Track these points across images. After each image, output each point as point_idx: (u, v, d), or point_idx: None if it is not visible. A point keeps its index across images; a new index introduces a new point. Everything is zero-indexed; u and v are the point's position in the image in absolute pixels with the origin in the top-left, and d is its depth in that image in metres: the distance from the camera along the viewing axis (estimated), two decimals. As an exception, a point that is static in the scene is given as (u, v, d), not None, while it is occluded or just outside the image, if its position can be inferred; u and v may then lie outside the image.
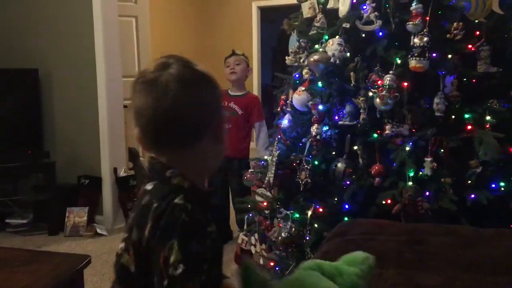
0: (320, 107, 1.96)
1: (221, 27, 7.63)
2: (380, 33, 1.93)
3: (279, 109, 2.43)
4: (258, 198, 2.21)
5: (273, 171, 2.09)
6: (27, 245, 3.17)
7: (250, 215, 2.44)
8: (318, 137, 1.94)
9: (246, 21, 7.53)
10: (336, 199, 1.94)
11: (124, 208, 3.73)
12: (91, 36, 3.56)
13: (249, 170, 2.36)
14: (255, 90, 7.60)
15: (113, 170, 3.71)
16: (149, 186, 0.84)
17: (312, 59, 2.00)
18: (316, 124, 1.95)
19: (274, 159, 2.10)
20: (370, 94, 1.84)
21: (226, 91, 3.01)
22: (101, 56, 3.56)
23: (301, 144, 2.13)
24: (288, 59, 2.29)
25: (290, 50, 2.42)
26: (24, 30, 3.75)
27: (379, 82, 1.85)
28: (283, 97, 2.43)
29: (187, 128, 0.83)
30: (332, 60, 1.95)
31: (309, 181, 1.99)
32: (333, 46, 1.95)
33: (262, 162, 2.27)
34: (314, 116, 1.96)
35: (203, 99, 0.88)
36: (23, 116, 3.68)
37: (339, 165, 2.00)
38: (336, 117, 2.00)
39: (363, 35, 1.98)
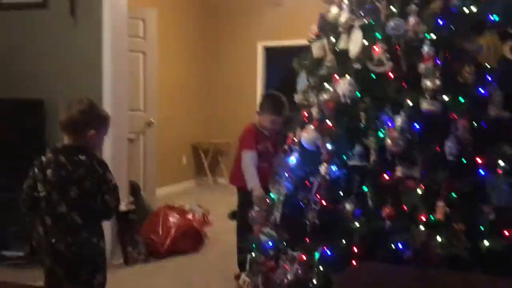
0: (329, 146, 1.94)
1: (227, 65, 7.73)
2: (390, 74, 1.93)
3: (286, 147, 2.41)
4: (263, 238, 2.16)
5: (280, 211, 2.04)
6: (23, 280, 3.09)
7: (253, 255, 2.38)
8: (327, 176, 1.90)
9: (251, 60, 7.63)
10: (344, 241, 1.88)
11: (122, 242, 3.66)
12: (100, 68, 3.59)
13: (255, 208, 2.31)
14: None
15: (114, 203, 3.65)
16: None
17: (322, 98, 1.99)
18: (325, 164, 1.92)
19: (281, 198, 2.06)
20: (381, 135, 1.82)
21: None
22: (108, 90, 3.58)
23: (307, 183, 2.09)
24: (298, 98, 2.29)
25: (298, 89, 2.43)
26: (31, 59, 3.77)
27: (389, 123, 1.84)
28: (290, 135, 2.42)
29: None
30: (342, 100, 1.94)
31: (317, 222, 1.94)
32: (344, 86, 1.94)
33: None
34: (323, 155, 1.93)
35: None
36: (26, 148, 3.66)
37: (348, 206, 1.95)
38: (345, 157, 1.97)
39: (373, 75, 1.98)
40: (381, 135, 1.84)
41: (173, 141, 6.76)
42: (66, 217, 2.00)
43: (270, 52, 7.76)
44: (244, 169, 3.07)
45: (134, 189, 4.17)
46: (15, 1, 3.77)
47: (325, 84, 2.07)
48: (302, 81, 2.43)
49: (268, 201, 2.33)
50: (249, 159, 3.05)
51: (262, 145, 3.14)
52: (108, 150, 3.54)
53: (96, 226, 2.08)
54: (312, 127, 2.08)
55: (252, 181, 3.01)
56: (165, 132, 6.04)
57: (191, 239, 3.98)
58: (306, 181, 2.10)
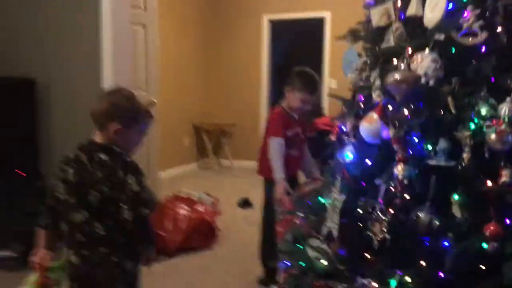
0: (408, 141, 1.51)
1: (230, 40, 7.22)
2: (483, 48, 1.49)
3: (334, 138, 1.98)
4: (312, 253, 1.74)
5: (336, 221, 1.63)
6: (14, 282, 2.68)
7: (288, 263, 1.98)
8: (405, 181, 1.48)
9: (256, 35, 7.12)
10: (426, 264, 1.47)
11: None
12: (98, 43, 3.11)
13: (297, 213, 1.90)
14: (263, 108, 7.17)
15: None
16: None
17: (392, 79, 1.56)
18: (401, 164, 1.49)
19: (337, 205, 1.64)
20: (475, 128, 1.39)
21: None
22: (109, 67, 3.11)
23: (368, 186, 1.68)
24: (351, 77, 1.85)
25: (345, 67, 2.00)
26: (23, 35, 3.29)
27: (483, 112, 1.42)
28: (337, 123, 1.99)
29: None
30: (423, 80, 1.50)
31: (388, 237, 1.53)
32: (424, 63, 1.50)
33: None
34: (399, 154, 1.51)
35: None
36: (16, 132, 3.21)
37: (422, 215, 1.55)
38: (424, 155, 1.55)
39: (459, 51, 1.54)
40: (474, 127, 1.41)
41: (174, 121, 6.30)
42: (84, 226, 1.62)
43: (276, 26, 7.26)
44: (270, 158, 2.67)
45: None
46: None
47: (395, 60, 1.62)
48: (351, 56, 1.99)
49: (310, 204, 1.91)
50: (276, 146, 2.65)
51: (291, 130, 2.73)
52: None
53: (119, 242, 1.66)
54: (375, 115, 1.64)
55: (278, 172, 2.62)
56: (166, 112, 5.57)
57: (203, 234, 3.58)
58: (364, 183, 1.69)
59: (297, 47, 8.30)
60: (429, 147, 1.54)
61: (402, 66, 1.59)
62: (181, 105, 6.53)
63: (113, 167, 1.62)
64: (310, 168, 2.94)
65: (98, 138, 1.70)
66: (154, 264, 1.87)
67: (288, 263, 1.99)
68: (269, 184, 2.75)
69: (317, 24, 6.92)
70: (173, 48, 6.26)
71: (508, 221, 1.34)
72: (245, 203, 4.66)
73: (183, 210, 3.53)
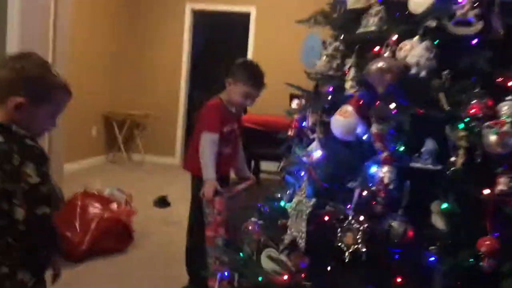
0: (393, 140, 1.30)
1: (150, 28, 6.76)
2: (475, 40, 1.34)
3: (291, 133, 1.75)
4: (267, 265, 1.49)
5: (303, 229, 1.38)
6: None
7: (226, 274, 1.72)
8: (391, 185, 1.28)
9: (178, 24, 6.74)
10: (401, 280, 1.28)
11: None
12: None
13: (251, 219, 1.62)
14: (181, 100, 6.81)
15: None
16: None
17: (375, 67, 1.35)
18: (387, 165, 1.29)
19: (305, 210, 1.40)
20: (485, 129, 1.22)
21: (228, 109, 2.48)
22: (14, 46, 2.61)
23: (337, 189, 1.46)
24: (318, 66, 1.62)
25: (306, 56, 1.77)
26: None
27: (474, 110, 1.26)
28: (295, 116, 1.76)
29: None
30: (414, 70, 1.31)
31: (362, 248, 1.32)
32: (416, 51, 1.32)
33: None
34: (384, 154, 1.30)
35: None
36: None
37: (395, 224, 1.37)
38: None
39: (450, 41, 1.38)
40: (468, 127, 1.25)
41: (82, 110, 5.68)
42: None
43: (199, 16, 6.92)
44: (201, 154, 2.37)
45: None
46: None
47: (377, 47, 1.42)
48: (314, 43, 1.77)
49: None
50: (209, 143, 2.35)
51: (228, 126, 2.45)
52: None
53: (12, 248, 1.26)
54: (349, 108, 1.43)
55: (208, 173, 2.33)
56: (73, 99, 4.97)
57: (116, 235, 3.16)
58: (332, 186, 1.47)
59: (220, 40, 8.03)
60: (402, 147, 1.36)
61: (386, 53, 1.39)
62: (91, 91, 5.92)
63: (7, 152, 1.24)
64: (242, 166, 2.70)
65: None
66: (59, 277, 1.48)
67: (226, 274, 1.72)
68: (198, 182, 2.44)
69: (242, 19, 6.72)
70: (87, 28, 5.66)
71: (505, 235, 1.19)
72: (162, 202, 4.28)
73: (94, 209, 3.09)
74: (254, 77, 2.39)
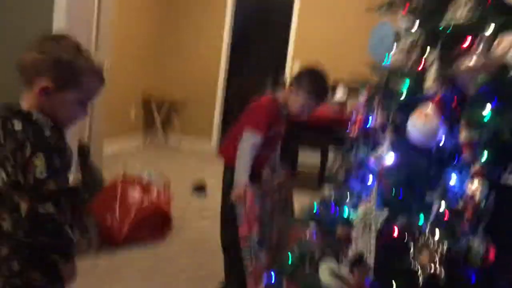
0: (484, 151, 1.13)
1: (191, 8, 6.63)
2: None
3: (353, 134, 1.59)
4: (326, 278, 1.35)
5: (373, 243, 1.24)
6: None
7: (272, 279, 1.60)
8: (482, 203, 1.11)
9: (219, 5, 6.59)
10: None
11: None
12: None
13: (308, 225, 1.48)
14: (220, 84, 6.69)
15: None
16: None
17: (466, 65, 1.17)
18: (479, 179, 1.12)
19: (375, 223, 1.25)
20: None
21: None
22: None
23: (411, 200, 1.30)
24: (393, 60, 1.44)
25: (376, 46, 1.60)
26: None
27: None
28: (360, 114, 1.60)
29: None
30: (514, 72, 1.13)
31: (440, 270, 1.16)
32: (517, 48, 1.13)
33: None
34: (476, 166, 1.13)
35: None
36: None
37: (474, 244, 1.20)
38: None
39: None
40: None
41: (122, 91, 5.65)
42: None
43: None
44: (239, 154, 2.21)
45: (83, 152, 3.13)
46: None
47: (467, 41, 1.24)
48: (385, 33, 1.60)
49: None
50: (250, 145, 2.19)
51: (274, 129, 2.30)
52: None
53: (24, 244, 1.17)
54: (430, 110, 1.25)
55: (241, 176, 2.18)
56: (114, 80, 4.92)
57: (155, 224, 3.09)
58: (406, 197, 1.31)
59: (261, 23, 7.84)
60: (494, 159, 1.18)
61: (479, 49, 1.21)
62: (131, 73, 5.88)
63: (21, 142, 1.14)
64: (275, 162, 2.54)
65: (24, 100, 1.22)
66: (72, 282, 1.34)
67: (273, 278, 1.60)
68: (230, 175, 2.29)
69: (285, 2, 6.51)
70: (130, 11, 5.59)
71: None
72: (200, 189, 4.20)
73: (133, 196, 3.02)
74: (320, 91, 2.23)
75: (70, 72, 1.21)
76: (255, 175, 2.29)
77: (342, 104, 4.81)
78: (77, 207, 2.69)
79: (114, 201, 2.93)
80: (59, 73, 1.19)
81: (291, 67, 6.34)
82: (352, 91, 4.84)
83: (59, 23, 2.48)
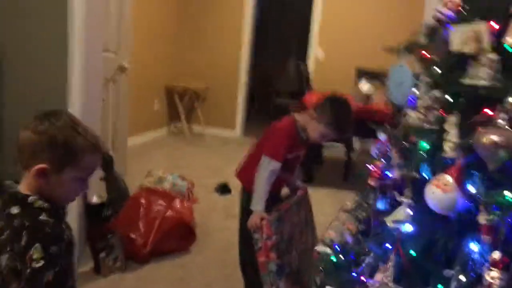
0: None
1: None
2: None
3: (371, 182, 1.55)
4: None
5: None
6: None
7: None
8: (502, 294, 1.07)
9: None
10: None
11: (92, 247, 2.78)
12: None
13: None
14: (242, 73, 6.62)
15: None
16: None
17: (488, 140, 1.11)
18: (497, 271, 1.07)
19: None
20: None
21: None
22: (80, 26, 2.52)
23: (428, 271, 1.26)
24: (413, 118, 1.39)
25: (396, 91, 1.54)
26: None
27: None
28: (377, 164, 1.55)
29: None
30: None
31: None
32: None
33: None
34: (495, 255, 1.08)
35: None
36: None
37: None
38: None
39: None
40: None
41: (145, 83, 5.67)
42: None
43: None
44: (257, 180, 2.20)
45: (107, 166, 3.18)
46: None
47: (489, 107, 1.17)
48: (403, 77, 1.53)
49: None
50: (269, 172, 2.18)
51: (294, 153, 2.27)
52: (77, 99, 2.55)
53: None
54: (450, 179, 1.20)
55: (258, 204, 2.18)
56: (136, 73, 4.93)
57: (179, 234, 3.14)
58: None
59: (283, 9, 7.68)
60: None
61: (501, 120, 1.14)
62: (153, 64, 5.88)
63: (17, 229, 1.14)
64: (295, 181, 2.52)
65: (22, 182, 1.22)
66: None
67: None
68: (247, 197, 2.30)
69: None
70: (146, 6, 5.54)
71: None
72: (224, 190, 4.22)
73: (157, 206, 3.06)
74: (342, 125, 2.18)
75: (66, 152, 1.18)
76: (273, 197, 2.29)
77: (368, 96, 4.72)
78: (102, 226, 2.71)
79: (137, 215, 2.98)
80: (55, 154, 1.17)
81: (315, 57, 6.22)
82: (375, 80, 4.74)
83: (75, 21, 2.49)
